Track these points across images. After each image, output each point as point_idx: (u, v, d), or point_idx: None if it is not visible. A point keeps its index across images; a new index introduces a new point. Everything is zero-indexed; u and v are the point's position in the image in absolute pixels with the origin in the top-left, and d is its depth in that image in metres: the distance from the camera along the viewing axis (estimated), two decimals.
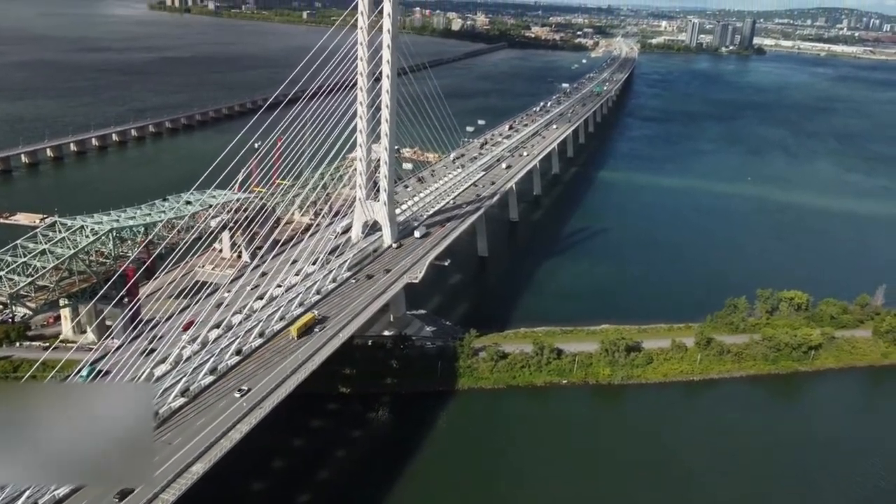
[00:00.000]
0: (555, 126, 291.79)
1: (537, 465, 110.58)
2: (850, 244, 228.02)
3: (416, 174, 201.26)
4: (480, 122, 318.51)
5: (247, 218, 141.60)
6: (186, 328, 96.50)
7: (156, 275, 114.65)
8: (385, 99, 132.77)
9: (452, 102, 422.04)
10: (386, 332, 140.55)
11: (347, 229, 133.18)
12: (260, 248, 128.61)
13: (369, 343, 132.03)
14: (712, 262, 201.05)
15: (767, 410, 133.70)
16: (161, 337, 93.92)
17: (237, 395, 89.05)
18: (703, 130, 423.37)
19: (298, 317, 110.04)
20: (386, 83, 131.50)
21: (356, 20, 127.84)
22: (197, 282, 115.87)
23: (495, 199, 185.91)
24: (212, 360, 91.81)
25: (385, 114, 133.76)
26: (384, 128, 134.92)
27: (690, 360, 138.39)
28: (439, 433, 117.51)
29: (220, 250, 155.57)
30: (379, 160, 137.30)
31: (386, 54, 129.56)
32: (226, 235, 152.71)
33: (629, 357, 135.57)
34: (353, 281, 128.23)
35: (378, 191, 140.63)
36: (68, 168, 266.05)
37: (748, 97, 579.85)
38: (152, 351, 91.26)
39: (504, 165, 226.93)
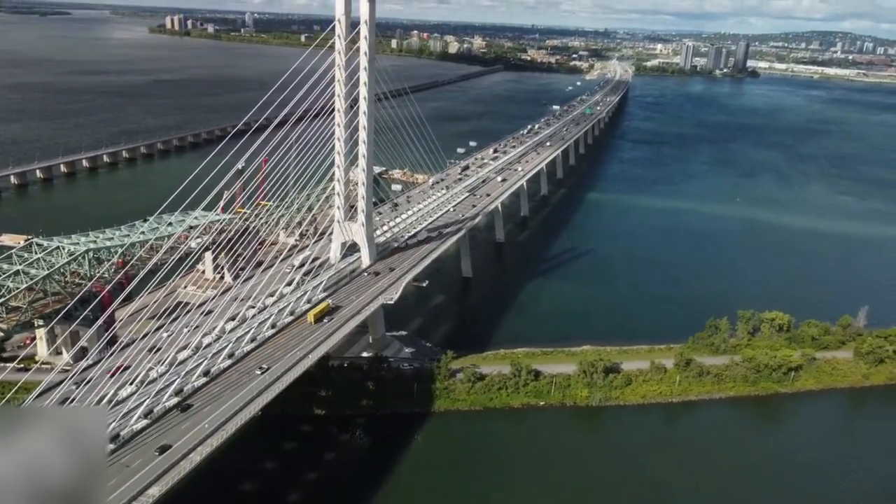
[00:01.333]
0: (537, 152, 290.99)
1: (513, 487, 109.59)
2: (837, 265, 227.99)
3: (391, 200, 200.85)
4: (472, 143, 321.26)
5: (229, 239, 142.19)
6: (113, 374, 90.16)
7: (134, 296, 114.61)
8: (362, 121, 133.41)
9: (444, 125, 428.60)
10: (364, 354, 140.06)
11: (302, 264, 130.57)
12: (243, 269, 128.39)
13: (345, 364, 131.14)
14: (697, 283, 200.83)
15: (747, 432, 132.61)
16: (131, 358, 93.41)
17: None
18: (695, 153, 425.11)
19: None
20: (363, 105, 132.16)
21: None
22: (180, 303, 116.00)
23: (477, 220, 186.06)
24: (177, 381, 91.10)
25: (363, 135, 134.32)
26: (361, 149, 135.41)
27: (669, 381, 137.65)
28: (414, 456, 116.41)
29: (203, 271, 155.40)
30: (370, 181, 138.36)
31: (363, 76, 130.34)
32: (208, 256, 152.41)
33: (607, 378, 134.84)
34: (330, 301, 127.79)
35: (356, 212, 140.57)
36: (57, 189, 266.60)
37: (741, 120, 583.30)
38: (121, 372, 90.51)
39: (499, 179, 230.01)
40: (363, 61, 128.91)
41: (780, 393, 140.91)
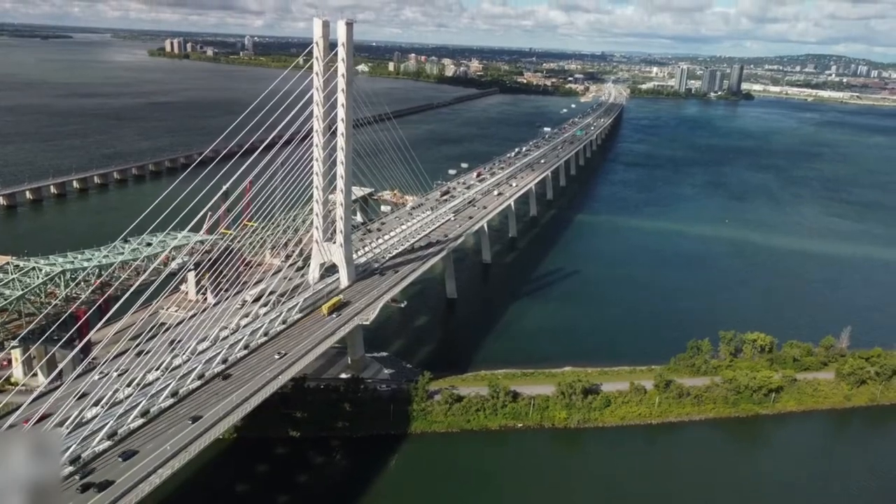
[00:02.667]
0: (522, 176, 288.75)
1: None
2: (823, 286, 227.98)
3: (366, 225, 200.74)
4: (464, 164, 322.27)
5: (211, 259, 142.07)
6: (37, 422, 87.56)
7: (114, 317, 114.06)
8: (340, 142, 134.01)
9: (436, 147, 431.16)
10: (343, 375, 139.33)
11: (258, 298, 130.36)
12: (227, 290, 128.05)
13: (322, 386, 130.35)
14: (682, 304, 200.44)
15: (727, 454, 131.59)
16: (101, 379, 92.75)
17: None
18: (687, 175, 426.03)
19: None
20: (341, 126, 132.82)
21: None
22: (161, 324, 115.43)
23: (458, 241, 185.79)
24: (143, 403, 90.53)
25: (340, 156, 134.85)
26: (339, 170, 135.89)
27: (649, 402, 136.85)
28: (390, 478, 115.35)
29: (186, 292, 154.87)
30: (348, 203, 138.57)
31: (341, 98, 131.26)
32: (191, 277, 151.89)
33: (586, 400, 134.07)
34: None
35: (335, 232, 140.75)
36: (47, 210, 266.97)
37: (734, 143, 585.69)
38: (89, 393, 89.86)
39: (496, 193, 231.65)
40: (341, 83, 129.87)
41: (760, 414, 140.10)
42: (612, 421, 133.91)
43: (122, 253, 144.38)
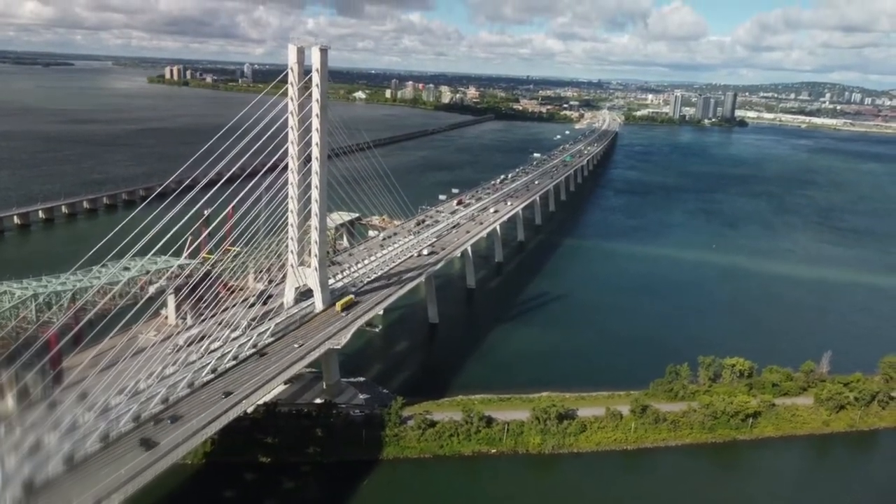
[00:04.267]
0: (505, 203, 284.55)
1: None
2: (809, 311, 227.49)
3: (347, 250, 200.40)
4: (454, 190, 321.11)
5: (191, 284, 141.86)
6: None
7: (91, 342, 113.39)
8: (315, 166, 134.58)
9: (428, 174, 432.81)
10: (317, 400, 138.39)
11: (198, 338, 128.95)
12: (208, 315, 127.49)
13: (294, 411, 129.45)
14: (665, 329, 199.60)
15: (703, 480, 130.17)
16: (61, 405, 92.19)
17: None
18: (678, 202, 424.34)
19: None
20: (315, 150, 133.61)
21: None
22: (139, 349, 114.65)
23: (437, 266, 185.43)
24: (103, 426, 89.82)
25: (315, 180, 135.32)
26: (314, 194, 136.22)
27: (625, 428, 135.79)
28: None
29: (167, 316, 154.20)
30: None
31: (315, 122, 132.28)
32: (171, 302, 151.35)
33: (561, 425, 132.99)
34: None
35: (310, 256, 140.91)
36: (34, 234, 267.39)
37: (727, 170, 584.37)
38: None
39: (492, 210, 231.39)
40: (315, 108, 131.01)
41: (738, 440, 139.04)
42: (587, 446, 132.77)
43: (99, 277, 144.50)
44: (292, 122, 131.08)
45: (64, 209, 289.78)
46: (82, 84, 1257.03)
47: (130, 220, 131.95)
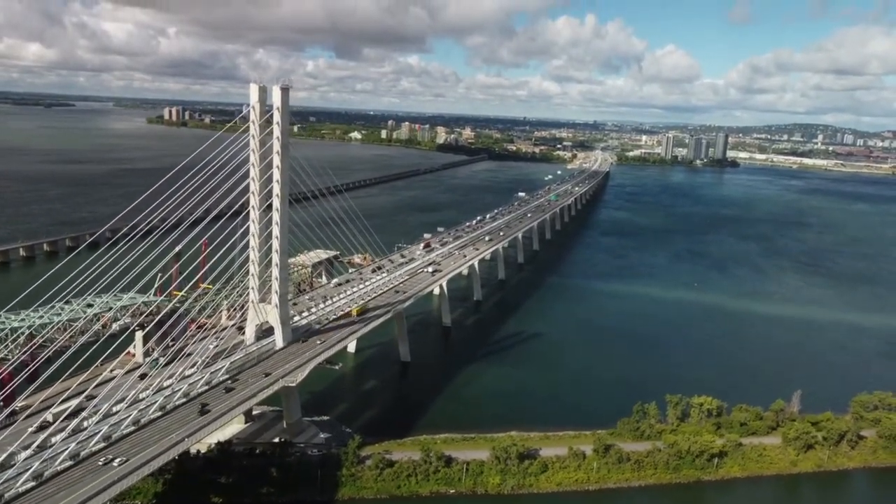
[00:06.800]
0: (476, 247, 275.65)
1: None
2: (786, 351, 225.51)
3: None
4: (440, 229, 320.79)
5: (158, 321, 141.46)
6: None
7: (49, 379, 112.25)
8: (276, 203, 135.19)
9: (413, 214, 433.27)
10: (276, 439, 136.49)
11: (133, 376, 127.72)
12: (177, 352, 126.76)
13: (249, 451, 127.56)
14: (639, 368, 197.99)
15: None
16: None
17: None
18: (665, 243, 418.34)
19: None
20: (276, 188, 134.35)
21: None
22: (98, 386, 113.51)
23: (406, 304, 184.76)
24: (38, 464, 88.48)
25: (276, 217, 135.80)
26: (275, 230, 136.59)
27: (587, 468, 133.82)
28: None
29: (133, 354, 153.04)
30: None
31: (276, 160, 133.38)
32: (139, 338, 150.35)
33: (522, 465, 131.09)
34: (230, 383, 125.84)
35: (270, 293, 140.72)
36: (14, 272, 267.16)
37: (717, 211, 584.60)
38: None
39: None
40: (276, 145, 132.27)
41: (703, 480, 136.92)
42: (548, 487, 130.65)
43: (60, 314, 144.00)
44: (253, 159, 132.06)
45: (46, 247, 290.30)
46: (80, 125, 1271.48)
47: (96, 258, 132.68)
